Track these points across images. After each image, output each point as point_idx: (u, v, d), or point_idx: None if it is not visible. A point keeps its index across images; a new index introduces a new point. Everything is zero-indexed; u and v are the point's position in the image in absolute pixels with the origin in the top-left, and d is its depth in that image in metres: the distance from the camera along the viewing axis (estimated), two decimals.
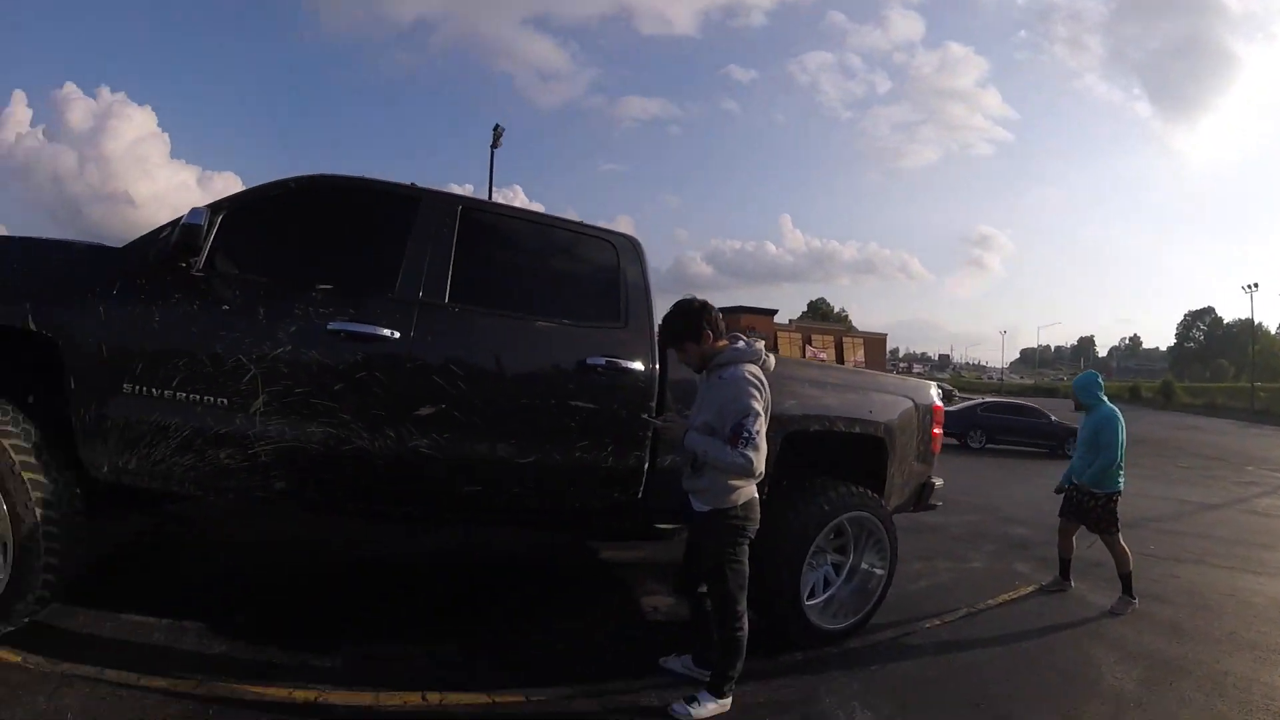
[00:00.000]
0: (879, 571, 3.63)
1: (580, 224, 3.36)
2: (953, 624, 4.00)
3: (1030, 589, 4.77)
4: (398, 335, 2.79)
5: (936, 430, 4.09)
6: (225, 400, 2.66)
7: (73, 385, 2.56)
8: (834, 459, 3.67)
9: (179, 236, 2.60)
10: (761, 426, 2.56)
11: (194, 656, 2.74)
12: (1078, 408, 4.95)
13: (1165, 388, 48.12)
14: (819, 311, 71.97)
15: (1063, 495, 4.92)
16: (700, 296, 2.83)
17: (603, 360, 3.02)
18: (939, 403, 4.13)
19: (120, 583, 3.37)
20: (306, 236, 3.10)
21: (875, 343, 47.06)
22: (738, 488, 2.63)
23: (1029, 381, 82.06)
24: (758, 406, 2.57)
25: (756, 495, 2.70)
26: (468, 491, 2.90)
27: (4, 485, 2.45)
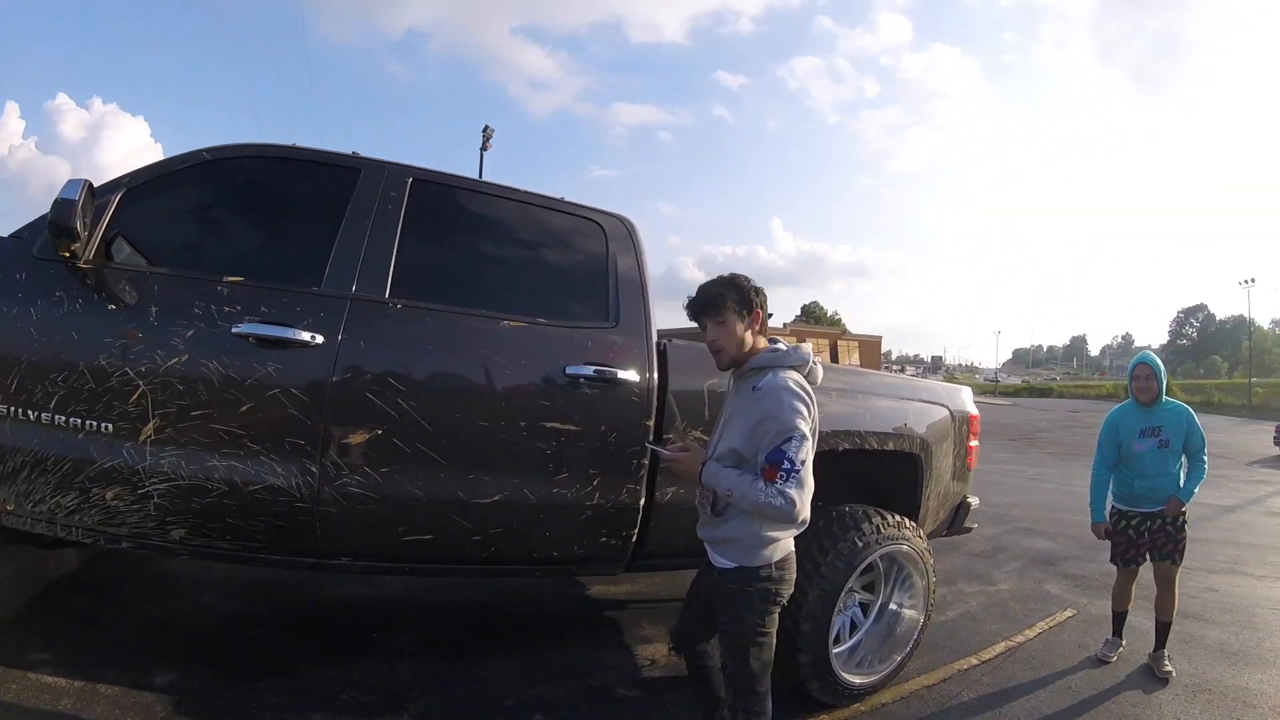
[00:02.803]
0: (910, 612, 3.08)
1: (561, 201, 2.74)
2: (992, 664, 3.49)
3: (1068, 614, 4.29)
4: (321, 340, 2.20)
5: (973, 442, 3.54)
6: (110, 425, 2.12)
7: None
8: (861, 481, 3.11)
9: (52, 215, 2.05)
10: (808, 455, 1.90)
11: None
12: (1149, 401, 3.52)
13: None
14: (813, 315, 70.71)
15: (1119, 532, 3.63)
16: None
17: (589, 369, 2.43)
18: (974, 410, 3.59)
19: (36, 634, 2.86)
20: (222, 218, 2.58)
21: (870, 345, 46.72)
22: (774, 539, 1.98)
23: (1022, 382, 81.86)
24: (804, 428, 1.89)
25: (793, 548, 2.06)
26: (415, 540, 2.30)
27: None
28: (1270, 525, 8.15)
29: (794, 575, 2.06)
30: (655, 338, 2.62)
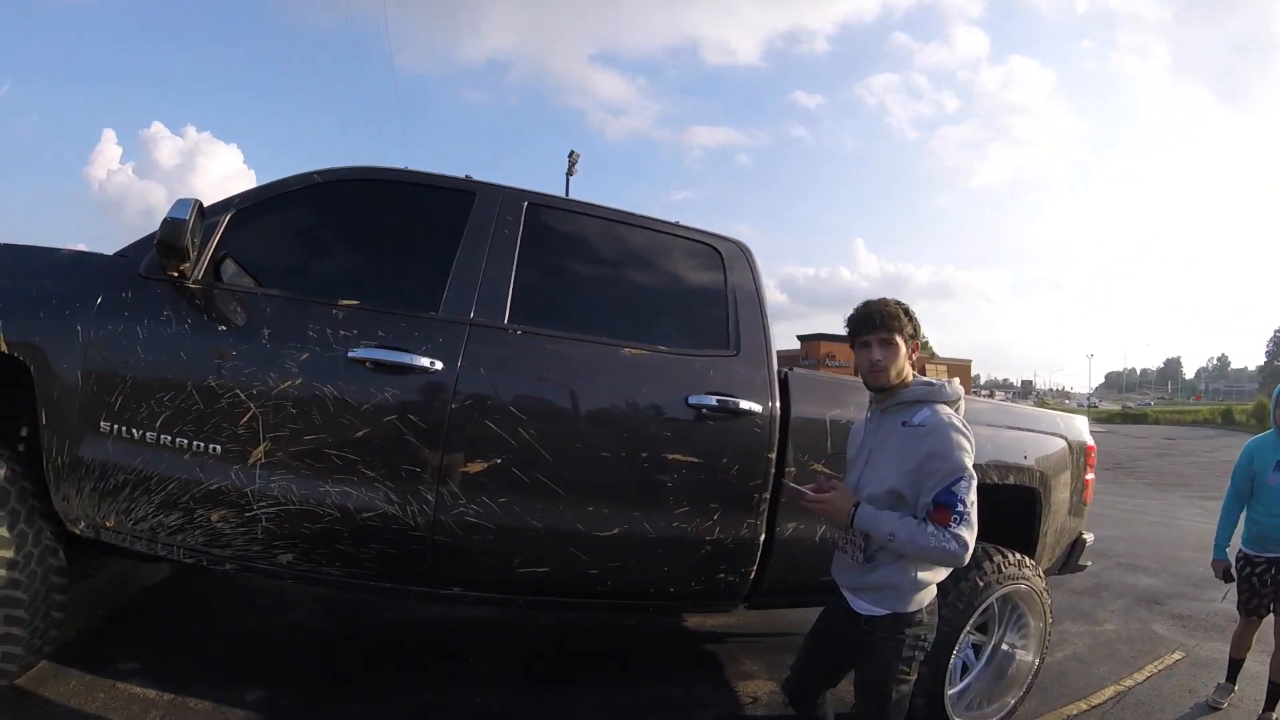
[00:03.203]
0: (1024, 655, 2.89)
1: (678, 226, 2.65)
2: (1102, 709, 3.29)
3: (1177, 656, 4.04)
4: (440, 366, 2.14)
5: (1089, 475, 3.34)
6: (218, 447, 2.08)
7: (44, 419, 2.07)
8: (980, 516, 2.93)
9: (161, 234, 2.02)
10: (975, 496, 1.77)
11: None
12: None
13: (1259, 410, 44.97)
14: None
15: (1243, 579, 3.32)
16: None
17: (711, 399, 2.32)
18: (1091, 441, 3.38)
19: (127, 644, 2.85)
20: (334, 242, 2.55)
21: (960, 369, 44.65)
22: (926, 584, 1.85)
23: (1116, 407, 78.39)
24: (972, 467, 1.77)
25: (936, 591, 1.93)
26: (530, 572, 2.23)
27: None
28: None
29: (938, 619, 1.94)
30: (776, 366, 2.51)
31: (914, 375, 1.94)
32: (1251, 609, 3.28)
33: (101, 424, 2.06)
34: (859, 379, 2.03)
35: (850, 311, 1.97)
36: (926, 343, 65.50)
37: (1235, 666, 3.46)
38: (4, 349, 2.05)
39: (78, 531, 2.15)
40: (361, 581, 2.24)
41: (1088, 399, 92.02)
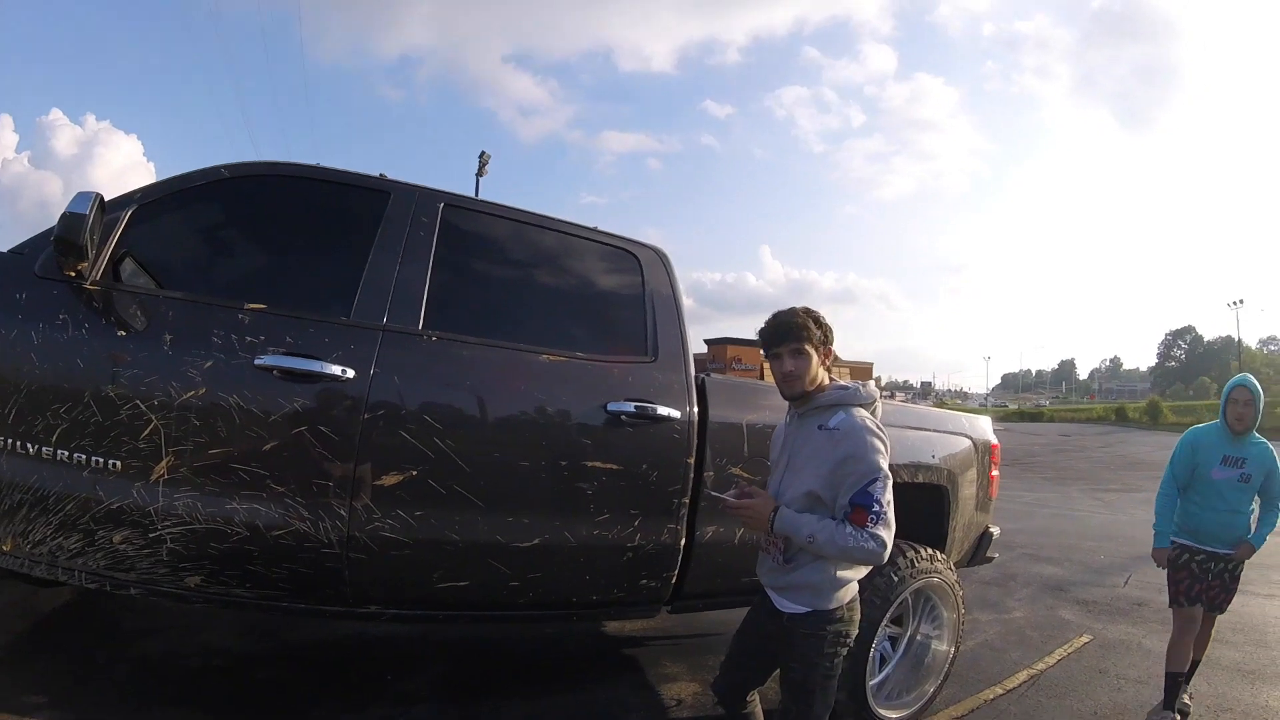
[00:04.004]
0: (942, 646, 3.01)
1: (595, 230, 2.65)
2: (1017, 692, 3.45)
3: (1084, 639, 4.27)
4: (352, 374, 2.08)
5: (994, 472, 3.52)
6: (118, 463, 1.96)
7: None
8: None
9: (58, 230, 1.89)
10: (891, 496, 1.84)
11: None
12: (1243, 430, 3.15)
13: (1152, 407, 47.36)
14: None
15: (1180, 566, 3.24)
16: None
17: (630, 405, 2.33)
18: (995, 440, 3.56)
19: (30, 674, 2.70)
20: (241, 241, 2.45)
21: (861, 372, 46.92)
22: (845, 581, 1.91)
23: (1014, 406, 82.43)
24: (887, 468, 1.84)
25: (857, 588, 2.00)
26: (449, 587, 2.18)
27: None
28: (1272, 544, 8.27)
29: (859, 615, 2.00)
30: (693, 371, 2.54)
31: (829, 380, 2.00)
32: (1194, 596, 3.17)
33: None
34: (774, 384, 2.09)
35: (761, 323, 2.01)
36: None
37: (1174, 685, 3.13)
38: None
39: None
40: (275, 604, 2.16)
41: (985, 399, 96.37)
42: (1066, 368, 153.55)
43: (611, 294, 2.63)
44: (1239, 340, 65.23)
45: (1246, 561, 3.22)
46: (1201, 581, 3.16)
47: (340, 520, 2.05)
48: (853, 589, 1.95)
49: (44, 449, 1.94)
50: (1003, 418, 54.74)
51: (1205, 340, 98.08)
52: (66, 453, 1.95)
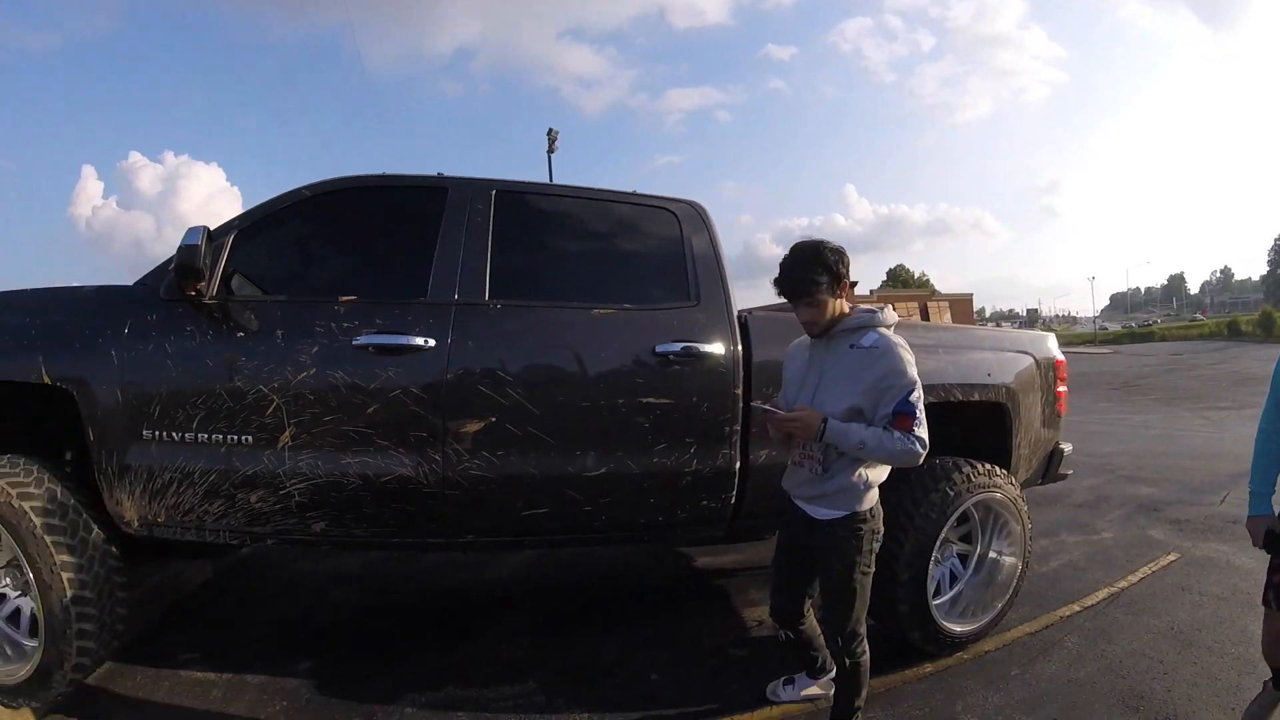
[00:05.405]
0: (1009, 559, 3.09)
1: (633, 194, 2.90)
2: (1094, 610, 3.46)
3: (1171, 557, 4.18)
4: (433, 343, 2.42)
5: (1061, 388, 3.52)
6: (249, 438, 2.38)
7: (91, 437, 2.38)
8: (951, 433, 3.13)
9: (177, 260, 2.33)
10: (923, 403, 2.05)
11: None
12: None
13: (1265, 319, 43.40)
14: (899, 279, 68.18)
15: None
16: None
17: (677, 346, 2.57)
18: (1060, 356, 3.56)
19: (183, 638, 3.15)
20: (328, 247, 2.85)
21: (961, 304, 45.22)
22: (873, 484, 2.12)
23: (1123, 328, 77.33)
24: (918, 378, 2.04)
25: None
26: (532, 514, 2.50)
27: (27, 551, 2.30)
28: None
29: (882, 515, 2.20)
30: (735, 312, 2.74)
31: (848, 308, 2.16)
32: None
33: (144, 432, 2.37)
34: None
35: (857, 262, 2.22)
36: (927, 281, 65.09)
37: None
38: (47, 382, 2.35)
39: (132, 532, 2.46)
40: (388, 539, 2.55)
41: (1095, 321, 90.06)
42: (1176, 283, 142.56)
43: (654, 249, 2.85)
44: None
45: None
46: None
47: (435, 464, 2.40)
48: (876, 493, 2.15)
49: (186, 435, 2.37)
50: (1112, 340, 51.27)
51: None
52: (206, 435, 2.38)
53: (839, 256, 2.09)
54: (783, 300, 2.16)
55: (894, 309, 2.24)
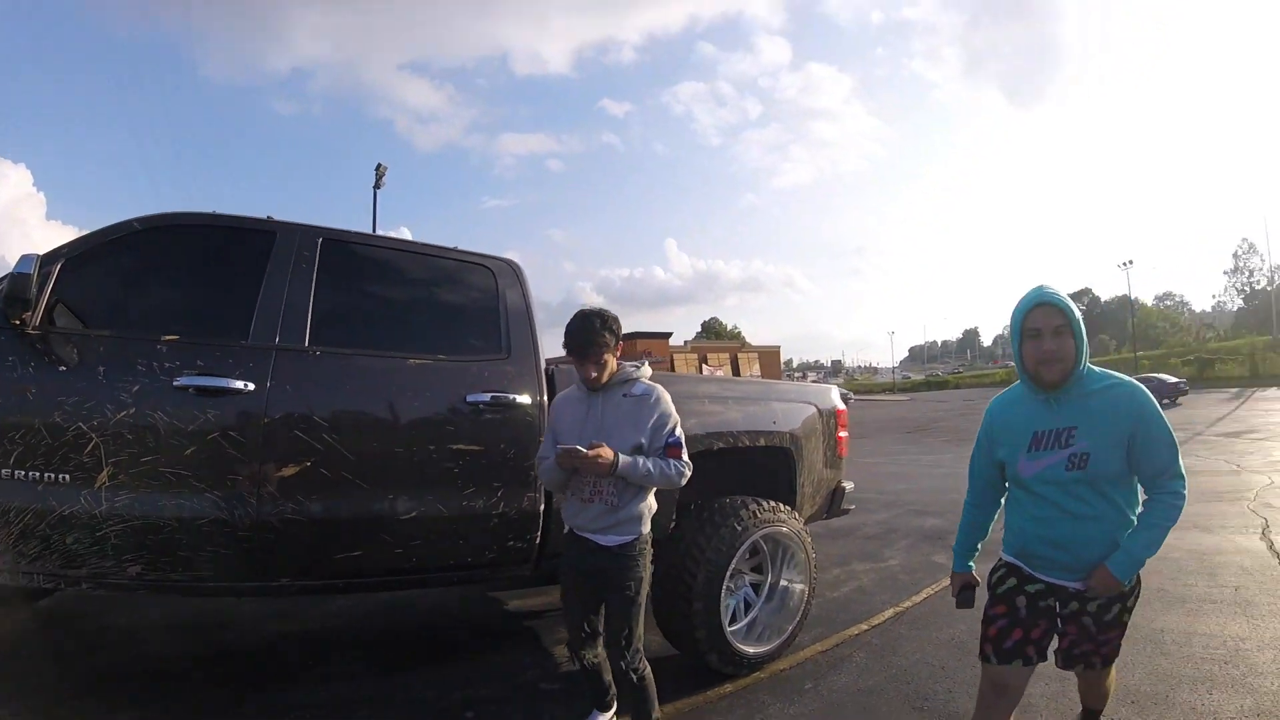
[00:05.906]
0: (798, 586, 3.53)
1: (454, 250, 3.14)
2: (881, 627, 3.92)
3: None
4: (253, 387, 2.53)
5: (842, 434, 4.05)
6: (67, 476, 2.35)
7: None
8: (740, 475, 3.57)
9: (6, 288, 2.31)
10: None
11: None
12: (1055, 380, 1.97)
13: None
14: (713, 331, 72.54)
15: (998, 596, 2.13)
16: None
17: (486, 396, 2.82)
18: (841, 405, 4.11)
19: None
20: (154, 282, 2.82)
21: (769, 356, 49.49)
22: (652, 509, 2.53)
23: (920, 378, 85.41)
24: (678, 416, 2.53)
25: None
26: (345, 557, 2.64)
27: None
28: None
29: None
30: (544, 363, 3.04)
31: (617, 364, 2.54)
32: (1009, 651, 2.02)
33: None
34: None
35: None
36: (739, 334, 69.70)
37: None
38: None
39: None
40: (202, 584, 2.56)
41: (893, 371, 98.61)
42: (970, 336, 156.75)
43: (470, 303, 3.09)
44: (1134, 298, 67.71)
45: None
46: (1025, 624, 2.06)
47: (250, 507, 2.49)
48: (649, 519, 2.54)
49: (2, 470, 2.31)
50: (910, 389, 55.82)
51: (1102, 300, 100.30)
52: (23, 472, 2.32)
53: (617, 323, 2.51)
54: None
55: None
